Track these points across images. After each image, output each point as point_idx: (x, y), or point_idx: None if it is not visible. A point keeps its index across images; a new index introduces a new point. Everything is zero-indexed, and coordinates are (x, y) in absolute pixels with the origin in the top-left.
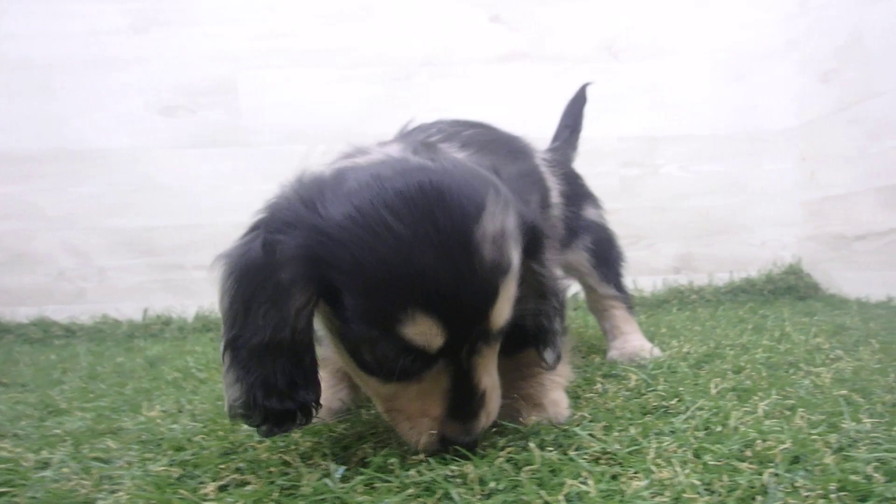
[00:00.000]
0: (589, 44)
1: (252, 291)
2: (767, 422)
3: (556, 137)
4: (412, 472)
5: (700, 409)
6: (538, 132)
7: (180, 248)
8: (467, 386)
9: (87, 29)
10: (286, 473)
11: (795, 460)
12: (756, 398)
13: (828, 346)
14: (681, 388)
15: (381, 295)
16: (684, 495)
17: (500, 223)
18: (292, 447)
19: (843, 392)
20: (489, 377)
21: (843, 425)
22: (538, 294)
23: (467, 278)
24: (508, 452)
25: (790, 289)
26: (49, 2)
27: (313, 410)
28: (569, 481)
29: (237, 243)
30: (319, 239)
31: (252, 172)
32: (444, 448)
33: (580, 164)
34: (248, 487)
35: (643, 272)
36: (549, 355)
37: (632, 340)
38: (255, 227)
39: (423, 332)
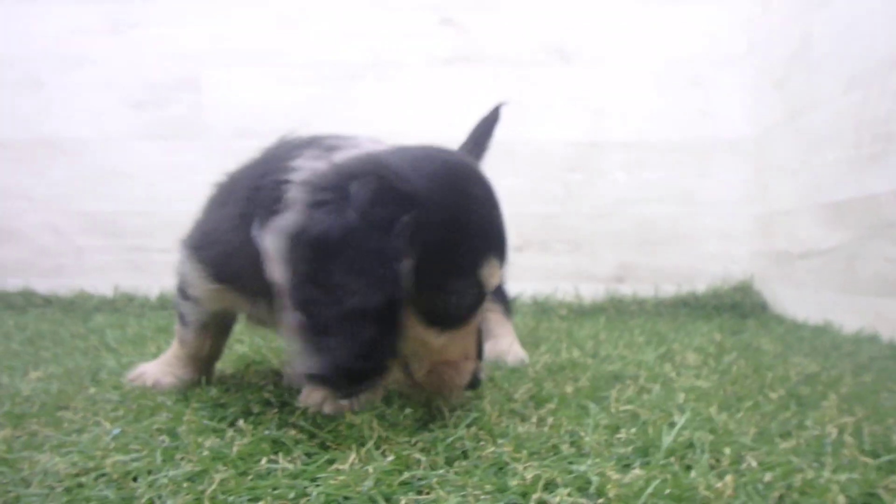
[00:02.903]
0: (539, 47)
1: (332, 261)
2: (520, 427)
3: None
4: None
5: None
6: None
7: (143, 232)
8: (482, 329)
9: (69, 29)
10: (78, 429)
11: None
12: (550, 406)
13: (691, 363)
14: (496, 393)
15: (469, 245)
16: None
17: None
18: (113, 411)
19: (629, 407)
20: None
21: (585, 437)
22: None
23: (504, 230)
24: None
25: (735, 306)
26: (34, 5)
27: (387, 372)
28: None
29: (301, 217)
30: (423, 206)
31: (207, 165)
32: (473, 387)
33: (524, 168)
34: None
35: (585, 279)
36: None
37: (501, 343)
38: (319, 203)
39: (493, 273)
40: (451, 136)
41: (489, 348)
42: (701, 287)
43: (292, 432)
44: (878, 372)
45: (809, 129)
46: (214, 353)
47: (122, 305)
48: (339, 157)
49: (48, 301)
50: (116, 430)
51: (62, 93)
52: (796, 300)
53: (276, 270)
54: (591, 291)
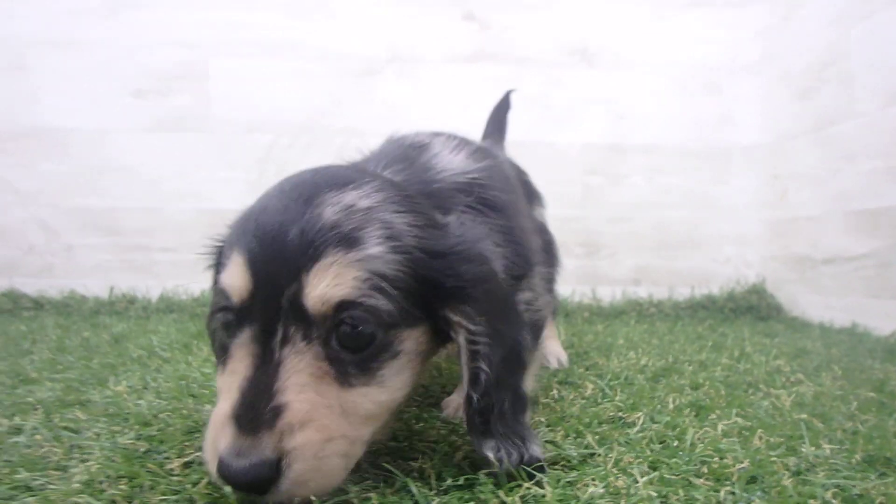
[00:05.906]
0: (562, 47)
1: None
2: (725, 440)
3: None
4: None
5: (657, 422)
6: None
7: (145, 230)
8: (266, 383)
9: (62, 9)
10: None
11: (752, 480)
12: (714, 416)
13: (788, 369)
14: (638, 401)
15: (226, 248)
16: None
17: (345, 219)
18: None
19: (803, 416)
20: (304, 395)
21: (802, 449)
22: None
23: (286, 237)
24: (466, 450)
25: (751, 308)
26: None
27: None
28: (525, 484)
29: None
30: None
31: (216, 160)
32: (230, 482)
33: (543, 170)
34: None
35: (602, 282)
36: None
37: (545, 344)
38: None
39: (231, 273)
40: (469, 134)
41: None
42: (714, 290)
43: None
44: None
45: (840, 139)
46: None
47: (123, 308)
48: None
49: (37, 303)
50: None
51: (54, 78)
52: (816, 304)
53: None
54: (608, 294)
